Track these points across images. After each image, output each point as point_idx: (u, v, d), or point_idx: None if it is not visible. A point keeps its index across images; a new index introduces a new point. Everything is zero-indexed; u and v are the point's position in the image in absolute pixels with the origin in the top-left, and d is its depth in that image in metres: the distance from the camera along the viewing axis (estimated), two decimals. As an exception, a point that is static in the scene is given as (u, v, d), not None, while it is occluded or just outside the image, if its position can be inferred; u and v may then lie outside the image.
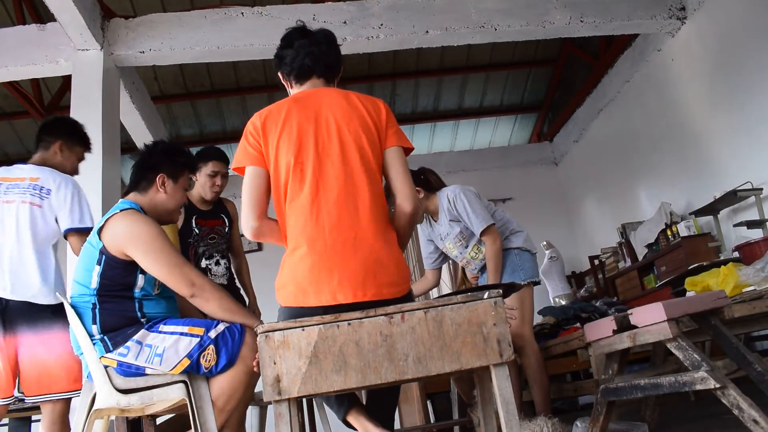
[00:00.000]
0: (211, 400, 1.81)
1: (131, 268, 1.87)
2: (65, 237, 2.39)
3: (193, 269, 1.89)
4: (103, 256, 1.86)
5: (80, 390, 2.13)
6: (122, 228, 1.86)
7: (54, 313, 2.25)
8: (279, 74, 1.91)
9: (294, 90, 1.88)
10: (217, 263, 2.91)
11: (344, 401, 1.79)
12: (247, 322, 1.87)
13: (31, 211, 2.33)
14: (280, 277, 1.68)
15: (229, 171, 2.93)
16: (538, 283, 2.93)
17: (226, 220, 3.03)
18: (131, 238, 1.85)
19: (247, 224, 1.71)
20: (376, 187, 1.72)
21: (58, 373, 2.24)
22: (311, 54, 1.81)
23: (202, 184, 2.88)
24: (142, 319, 1.88)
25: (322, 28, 1.90)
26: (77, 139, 2.56)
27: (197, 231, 2.88)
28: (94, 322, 1.84)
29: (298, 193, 1.68)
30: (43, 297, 2.27)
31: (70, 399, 2.32)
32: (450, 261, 3.32)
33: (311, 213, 1.65)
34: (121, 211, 1.91)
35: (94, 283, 1.86)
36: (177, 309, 2.03)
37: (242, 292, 3.13)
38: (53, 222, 2.36)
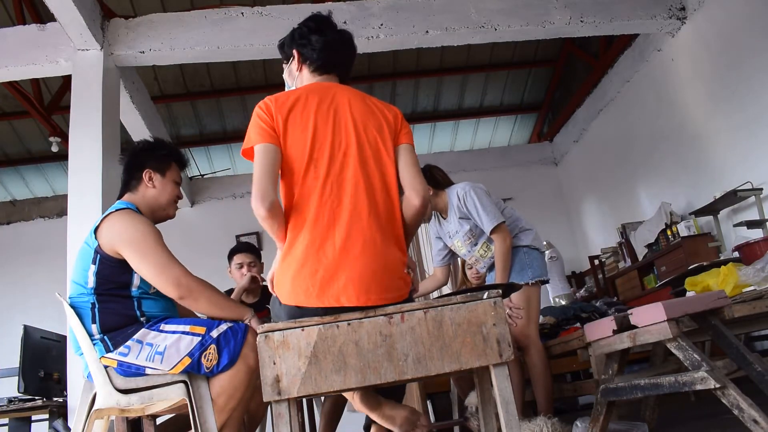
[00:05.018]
0: (212, 400, 1.80)
1: (126, 266, 1.88)
2: None
3: (182, 268, 1.86)
4: (98, 255, 1.87)
5: None
6: (117, 227, 1.88)
7: None
8: (295, 51, 1.81)
9: (305, 76, 1.82)
10: None
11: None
12: (239, 316, 1.89)
13: None
14: (283, 271, 1.60)
15: (258, 258, 3.27)
16: (546, 281, 2.92)
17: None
18: (124, 237, 1.87)
19: (266, 197, 1.54)
20: (391, 191, 1.69)
21: None
22: (339, 52, 1.81)
23: (236, 277, 3.21)
24: (142, 318, 1.88)
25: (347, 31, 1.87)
26: None
27: None
28: (94, 322, 1.85)
29: (311, 190, 1.61)
30: None
31: None
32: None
33: (323, 213, 1.58)
34: (117, 210, 1.94)
35: (91, 282, 1.87)
36: (176, 308, 2.03)
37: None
38: None
